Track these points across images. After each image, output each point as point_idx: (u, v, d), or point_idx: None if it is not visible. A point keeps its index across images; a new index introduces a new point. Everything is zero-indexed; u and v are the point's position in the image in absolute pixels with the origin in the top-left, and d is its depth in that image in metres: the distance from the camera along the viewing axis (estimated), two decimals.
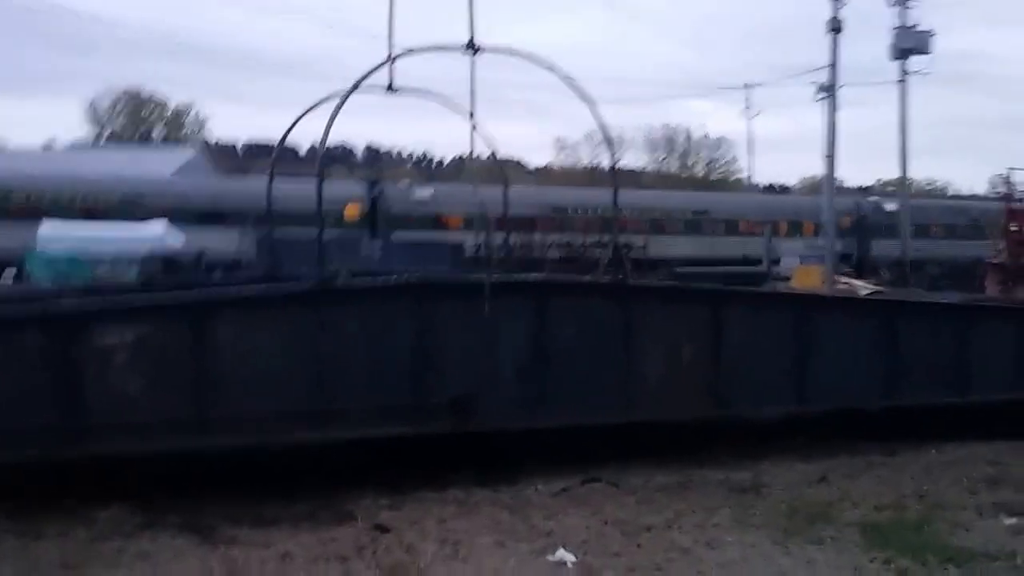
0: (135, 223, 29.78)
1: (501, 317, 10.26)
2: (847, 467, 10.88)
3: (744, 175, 78.45)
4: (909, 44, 39.64)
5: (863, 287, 34.39)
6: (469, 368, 10.25)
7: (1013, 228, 18.64)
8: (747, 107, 64.83)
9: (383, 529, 8.65)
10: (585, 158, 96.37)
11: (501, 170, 14.06)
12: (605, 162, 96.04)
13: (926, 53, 40.03)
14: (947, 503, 9.51)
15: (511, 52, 10.96)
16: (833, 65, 35.21)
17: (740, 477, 10.51)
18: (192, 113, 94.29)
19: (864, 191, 73.34)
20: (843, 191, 74.20)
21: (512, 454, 10.60)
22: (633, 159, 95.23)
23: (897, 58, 39.95)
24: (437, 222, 38.48)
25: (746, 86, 63.89)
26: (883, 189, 69.62)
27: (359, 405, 9.80)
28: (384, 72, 10.66)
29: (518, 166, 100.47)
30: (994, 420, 12.11)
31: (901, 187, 43.63)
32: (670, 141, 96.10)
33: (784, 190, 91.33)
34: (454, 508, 9.34)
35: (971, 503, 9.53)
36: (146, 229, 27.75)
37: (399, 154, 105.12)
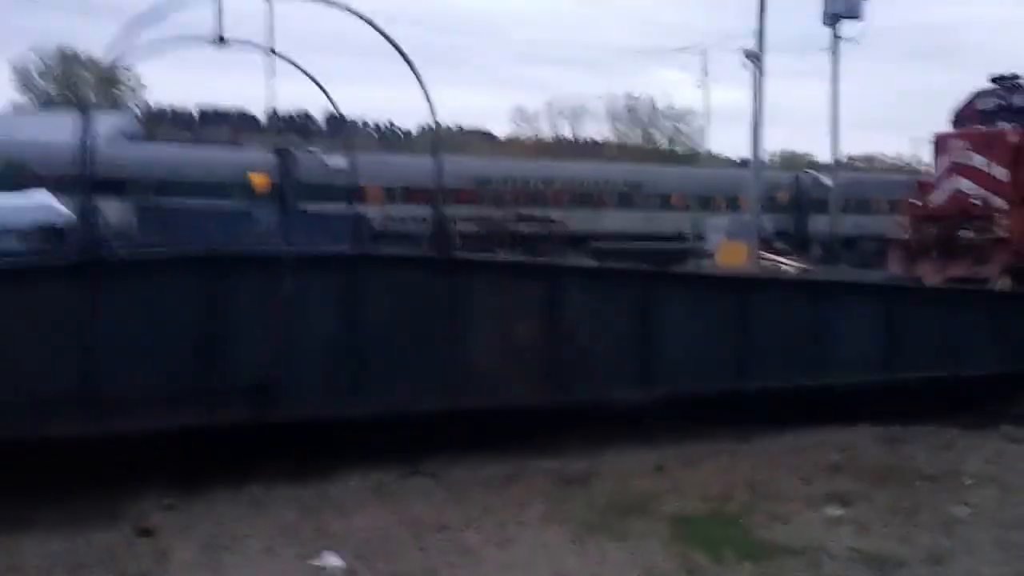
0: (20, 192, 28.15)
1: (307, 294, 9.36)
2: (690, 455, 10.10)
3: (708, 147, 77.04)
4: (839, 9, 38.83)
5: (789, 265, 33.82)
6: (270, 351, 9.32)
7: (914, 202, 17.75)
8: (704, 74, 63.63)
9: (147, 533, 7.82)
10: (546, 128, 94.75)
11: (349, 140, 13.10)
12: (567, 133, 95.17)
13: (857, 18, 39.23)
14: (777, 493, 8.83)
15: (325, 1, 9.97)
16: (760, 31, 34.39)
17: (576, 467, 9.74)
18: (128, 76, 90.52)
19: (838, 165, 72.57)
20: (813, 166, 73.16)
21: (331, 445, 9.73)
22: (594, 130, 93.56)
23: (827, 24, 39.10)
24: (355, 194, 36.89)
25: (701, 52, 62.60)
26: (851, 164, 68.66)
27: (140, 392, 8.84)
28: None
29: (485, 136, 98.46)
30: (860, 404, 11.34)
31: (833, 162, 43.15)
32: (632, 111, 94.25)
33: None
34: (244, 508, 8.53)
35: (803, 493, 8.87)
36: (29, 198, 26.01)
37: (364, 123, 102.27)
